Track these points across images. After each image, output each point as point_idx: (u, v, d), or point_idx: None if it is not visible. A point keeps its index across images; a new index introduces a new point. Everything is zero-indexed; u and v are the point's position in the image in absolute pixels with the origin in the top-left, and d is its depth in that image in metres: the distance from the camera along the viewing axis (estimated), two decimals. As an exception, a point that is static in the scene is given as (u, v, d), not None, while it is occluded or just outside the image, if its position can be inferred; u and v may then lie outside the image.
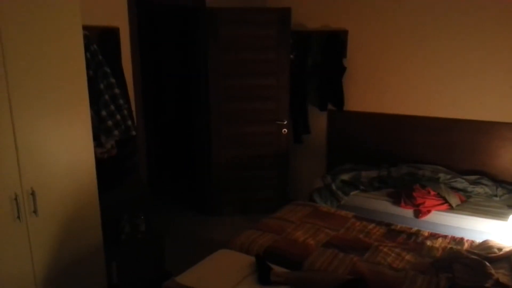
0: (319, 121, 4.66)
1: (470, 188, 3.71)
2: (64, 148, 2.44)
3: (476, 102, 3.84)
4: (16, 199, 2.19)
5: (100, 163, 2.79)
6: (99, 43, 3.06)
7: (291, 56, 4.40)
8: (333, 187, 3.83)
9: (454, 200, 3.46)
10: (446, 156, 4.03)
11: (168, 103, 5.58)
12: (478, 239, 2.93)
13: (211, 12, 4.17)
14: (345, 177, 3.95)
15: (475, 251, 2.67)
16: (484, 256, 2.57)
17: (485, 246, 2.75)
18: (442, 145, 4.04)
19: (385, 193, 3.74)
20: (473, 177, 3.84)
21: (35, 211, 2.29)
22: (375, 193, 3.75)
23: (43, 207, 2.33)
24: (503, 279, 2.34)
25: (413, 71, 4.09)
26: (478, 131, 3.85)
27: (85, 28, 2.62)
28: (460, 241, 2.88)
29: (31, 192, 2.26)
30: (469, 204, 3.49)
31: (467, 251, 2.69)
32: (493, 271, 2.39)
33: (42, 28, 2.27)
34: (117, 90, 3.08)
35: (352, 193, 3.76)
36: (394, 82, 4.20)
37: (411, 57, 4.08)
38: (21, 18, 2.17)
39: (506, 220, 3.16)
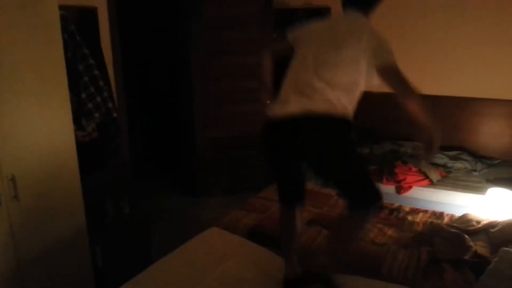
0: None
1: (450, 163, 3.78)
2: (44, 132, 2.40)
3: (457, 78, 3.88)
4: (-4, 185, 2.16)
5: (82, 146, 2.76)
6: (77, 24, 2.98)
7: (274, 35, 4.36)
8: (317, 165, 3.85)
9: (434, 175, 3.53)
10: (427, 133, 4.08)
11: (151, 84, 5.51)
12: (458, 213, 3.00)
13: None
14: (329, 155, 3.98)
15: (455, 224, 2.74)
16: (463, 230, 2.65)
17: (464, 220, 2.83)
18: (423, 121, 4.08)
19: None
20: (453, 153, 3.91)
21: (16, 197, 2.26)
22: (358, 171, 3.79)
23: (24, 192, 2.31)
24: (481, 251, 2.42)
25: (394, 48, 4.09)
26: (458, 108, 3.91)
27: (61, 8, 2.54)
28: (440, 215, 2.95)
29: (11, 178, 2.23)
30: (449, 179, 3.57)
31: (447, 224, 2.76)
32: (471, 243, 2.47)
33: (17, 8, 2.20)
34: (96, 72, 3.03)
35: (335, 170, 3.80)
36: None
37: (391, 34, 4.07)
38: (-7, -1, 2.10)
39: (485, 194, 3.24)
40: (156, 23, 5.13)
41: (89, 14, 3.21)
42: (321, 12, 4.31)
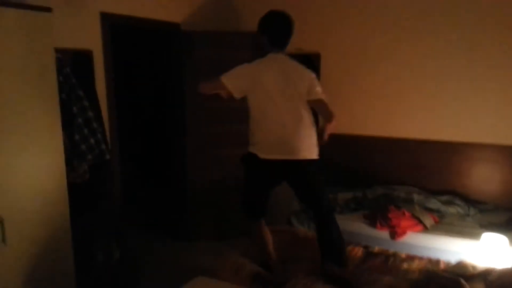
0: (294, 143, 4.68)
1: (443, 208, 3.77)
2: (35, 173, 2.36)
3: (449, 123, 3.95)
4: (-17, 228, 2.09)
5: (73, 188, 2.71)
6: (72, 66, 3.01)
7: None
8: (310, 209, 3.82)
9: (428, 221, 3.51)
10: (419, 177, 4.11)
11: (144, 126, 5.51)
12: (453, 260, 2.96)
13: (186, 36, 4.18)
14: (321, 199, 3.96)
15: (451, 271, 2.70)
16: (460, 275, 2.60)
17: (460, 266, 2.78)
18: (415, 166, 4.12)
19: (361, 214, 3.76)
20: (445, 197, 3.91)
21: (3, 240, 2.19)
22: (351, 215, 3.76)
23: (12, 235, 2.24)
24: (479, 298, 2.37)
25: (385, 93, 4.19)
26: (450, 152, 3.95)
27: (58, 50, 2.58)
28: (436, 262, 2.91)
29: (-1, 220, 2.17)
30: (443, 225, 3.55)
31: (443, 271, 2.72)
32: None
33: (13, 50, 2.22)
34: (90, 114, 3.03)
35: (328, 215, 3.76)
36: (367, 105, 4.29)
37: (383, 80, 4.18)
38: (-8, 40, 2.11)
39: (479, 240, 3.22)
40: (149, 67, 5.20)
41: (84, 56, 3.26)
42: (311, 59, 4.41)
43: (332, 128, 2.80)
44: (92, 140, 2.97)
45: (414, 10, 3.94)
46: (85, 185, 2.96)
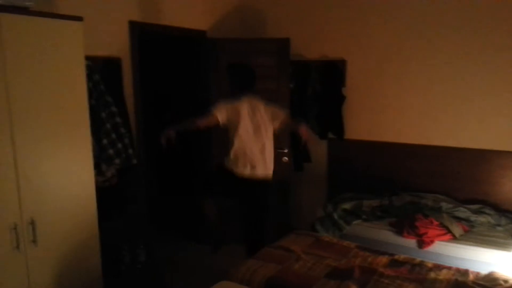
0: (319, 149, 4.67)
1: (473, 217, 3.67)
2: (65, 177, 2.43)
3: (478, 130, 3.85)
4: (15, 228, 2.17)
5: (101, 191, 2.77)
6: (102, 73, 3.09)
7: (291, 85, 4.44)
8: (335, 216, 3.79)
9: (457, 230, 3.43)
10: (447, 185, 4.01)
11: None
12: (483, 271, 2.87)
13: (212, 43, 4.23)
14: (347, 206, 3.92)
15: (481, 282, 2.62)
16: (490, 288, 2.53)
17: (490, 278, 2.71)
18: (444, 173, 4.03)
19: (387, 222, 3.70)
20: (475, 206, 3.80)
21: (34, 241, 2.26)
22: (377, 223, 3.71)
23: (43, 236, 2.31)
24: (510, 311, 2.29)
25: (413, 99, 4.12)
26: (480, 160, 3.85)
27: (88, 58, 2.65)
28: (465, 272, 2.83)
29: (30, 222, 2.24)
30: (473, 234, 3.45)
31: (473, 282, 2.64)
32: (500, 303, 2.34)
33: (46, 58, 2.30)
34: (118, 119, 3.10)
35: (354, 222, 3.73)
36: (394, 111, 4.23)
37: (411, 85, 4.12)
38: (26, 48, 2.20)
39: (511, 251, 3.12)
40: (175, 73, 5.27)
41: (113, 64, 3.34)
42: (336, 65, 4.39)
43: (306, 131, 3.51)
44: (119, 145, 3.04)
45: (442, 17, 3.88)
46: (112, 189, 3.03)
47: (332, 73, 4.43)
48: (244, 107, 3.38)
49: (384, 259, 3.01)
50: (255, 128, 3.39)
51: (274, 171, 3.58)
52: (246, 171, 3.37)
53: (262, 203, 3.63)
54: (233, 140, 3.37)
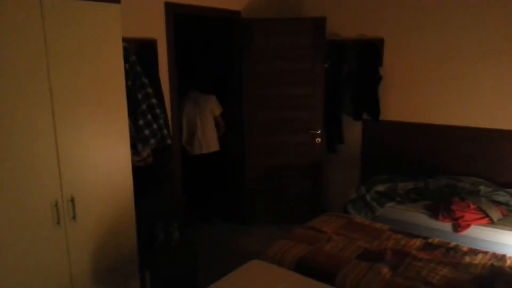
0: (353, 130, 4.61)
1: (512, 201, 3.55)
2: (103, 156, 2.52)
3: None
4: (56, 205, 2.28)
5: (136, 171, 2.86)
6: (138, 54, 3.15)
7: (326, 65, 4.38)
8: (368, 198, 3.76)
9: (495, 214, 3.32)
10: (487, 168, 3.88)
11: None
12: (522, 256, 2.79)
13: (246, 23, 4.22)
14: (380, 188, 3.87)
15: (518, 268, 2.56)
16: (528, 274, 2.46)
17: (529, 264, 2.63)
18: (484, 156, 3.89)
19: (422, 205, 3.63)
20: (515, 190, 3.68)
21: (74, 217, 2.37)
22: (411, 205, 3.65)
23: (82, 213, 2.41)
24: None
25: (453, 80, 3.98)
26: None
27: (124, 40, 2.70)
28: (502, 258, 2.76)
29: (70, 199, 2.35)
30: (511, 219, 3.35)
31: (510, 268, 2.58)
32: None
33: (85, 40, 2.36)
34: (154, 100, 3.16)
35: (387, 204, 3.68)
36: (432, 91, 4.10)
37: (450, 66, 3.97)
38: (66, 30, 2.27)
39: (552, 237, 3.01)
40: (209, 54, 5.30)
41: (149, 45, 3.39)
42: (375, 44, 4.29)
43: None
44: (155, 126, 3.11)
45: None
46: (147, 168, 3.11)
47: (369, 53, 4.34)
48: (189, 102, 4.47)
49: (417, 242, 2.98)
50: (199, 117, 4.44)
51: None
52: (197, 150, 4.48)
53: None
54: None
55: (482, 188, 3.68)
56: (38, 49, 2.15)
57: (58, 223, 2.30)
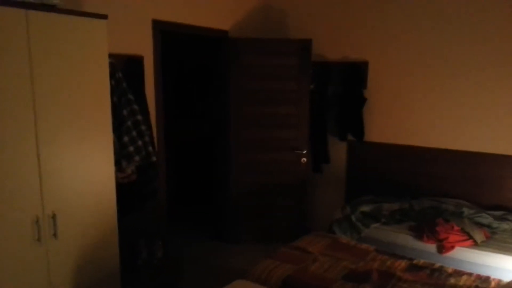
0: (338, 151, 4.63)
1: (495, 224, 3.59)
2: (86, 173, 2.47)
3: (503, 136, 3.77)
4: (37, 221, 2.21)
5: (120, 187, 2.81)
6: (124, 71, 3.14)
7: (311, 86, 4.43)
8: (353, 218, 3.75)
9: (479, 236, 3.35)
10: (469, 190, 3.93)
11: (190, 129, 5.64)
12: (505, 278, 2.81)
13: (234, 43, 4.25)
14: (366, 208, 3.88)
15: (502, 290, 2.56)
16: (512, 296, 2.47)
17: (512, 285, 2.64)
18: (466, 179, 3.95)
19: (407, 226, 3.64)
20: (498, 213, 3.72)
21: (55, 234, 2.31)
22: (396, 226, 3.65)
23: (63, 230, 2.35)
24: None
25: (436, 103, 4.06)
26: (505, 166, 3.76)
27: (111, 56, 2.69)
28: (486, 279, 2.77)
29: (52, 215, 2.28)
30: (495, 241, 3.37)
31: (494, 290, 2.58)
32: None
33: (70, 55, 2.34)
34: (139, 117, 3.13)
35: (372, 225, 3.68)
36: (415, 114, 4.17)
37: (433, 88, 4.05)
38: (51, 44, 2.24)
39: (535, 259, 3.04)
40: (196, 72, 5.33)
41: (136, 62, 3.38)
42: (359, 66, 4.36)
43: None
44: (140, 142, 3.07)
45: (466, 19, 3.81)
46: (131, 185, 3.06)
47: (353, 75, 4.40)
48: None
49: (402, 263, 2.97)
50: None
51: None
52: None
53: None
54: None
55: (465, 210, 3.72)
56: (22, 62, 2.12)
57: (39, 240, 2.23)
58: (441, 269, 2.89)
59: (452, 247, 3.30)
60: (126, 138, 3.00)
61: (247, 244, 4.52)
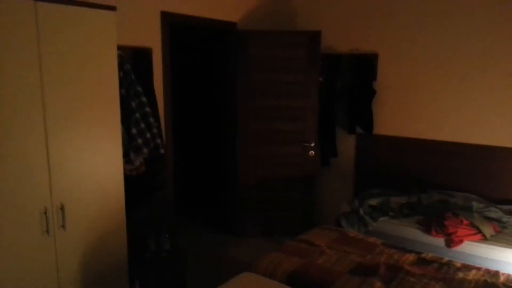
0: (347, 144, 4.61)
1: (505, 218, 3.55)
2: (94, 165, 2.48)
3: (512, 129, 3.72)
4: (45, 213, 2.23)
5: (129, 180, 2.82)
6: (132, 63, 3.13)
7: (320, 78, 4.40)
8: (361, 212, 3.74)
9: (488, 230, 3.32)
10: (479, 184, 3.89)
11: (197, 121, 5.64)
12: (515, 273, 2.78)
13: (242, 35, 4.23)
14: (373, 202, 3.86)
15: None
16: (521, 291, 2.45)
17: (522, 280, 2.62)
18: (475, 172, 3.91)
19: (415, 220, 3.62)
20: (508, 207, 3.68)
21: (63, 226, 2.32)
22: (404, 220, 3.64)
23: (71, 221, 2.37)
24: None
25: (445, 95, 4.01)
26: (514, 159, 3.72)
27: (119, 48, 2.69)
28: (495, 274, 2.74)
29: (60, 207, 2.30)
30: (504, 235, 3.34)
31: (503, 284, 2.56)
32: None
33: (79, 46, 2.34)
34: (147, 109, 3.14)
35: (380, 219, 3.67)
36: (425, 107, 4.13)
37: (443, 81, 4.01)
38: (60, 36, 2.24)
39: (545, 254, 3.01)
40: (204, 64, 5.31)
41: (144, 54, 3.37)
42: (369, 58, 4.32)
43: None
44: (148, 135, 3.08)
45: (481, 10, 3.74)
46: (140, 177, 3.07)
47: (363, 67, 4.36)
48: None
49: (410, 257, 2.96)
50: None
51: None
52: None
53: None
54: None
55: (475, 204, 3.68)
56: (31, 54, 2.13)
57: (47, 231, 2.25)
58: (449, 263, 2.87)
59: (461, 241, 3.27)
60: (134, 130, 3.01)
61: (254, 237, 4.53)
